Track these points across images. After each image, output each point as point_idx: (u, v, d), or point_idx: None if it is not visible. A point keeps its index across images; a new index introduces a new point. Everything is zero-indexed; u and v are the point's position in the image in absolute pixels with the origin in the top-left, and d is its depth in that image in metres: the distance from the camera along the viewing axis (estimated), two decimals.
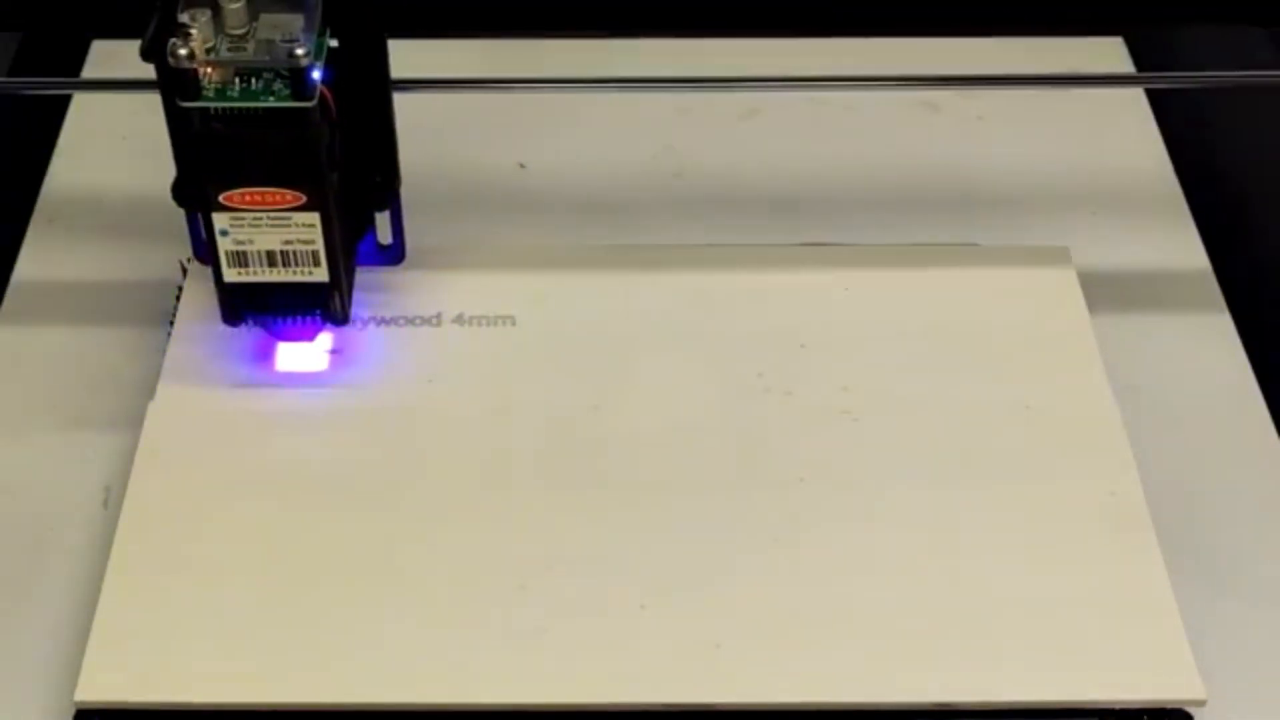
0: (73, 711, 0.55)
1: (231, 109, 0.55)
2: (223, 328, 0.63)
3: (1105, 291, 0.69)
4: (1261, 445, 0.66)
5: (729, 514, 0.60)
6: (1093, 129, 0.79)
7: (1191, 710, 0.55)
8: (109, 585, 0.57)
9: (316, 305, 0.62)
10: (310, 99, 0.55)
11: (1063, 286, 0.68)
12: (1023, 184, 0.76)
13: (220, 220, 0.58)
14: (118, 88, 0.62)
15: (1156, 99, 0.80)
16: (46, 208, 0.74)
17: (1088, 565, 0.58)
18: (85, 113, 0.79)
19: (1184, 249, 0.74)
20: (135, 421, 0.63)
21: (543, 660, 0.56)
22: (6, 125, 0.81)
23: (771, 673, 0.55)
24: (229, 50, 0.55)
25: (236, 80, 0.55)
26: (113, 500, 0.62)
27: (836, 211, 0.75)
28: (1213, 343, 0.69)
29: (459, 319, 0.66)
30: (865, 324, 0.67)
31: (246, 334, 0.64)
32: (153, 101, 0.59)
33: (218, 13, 0.55)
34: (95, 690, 0.55)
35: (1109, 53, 0.83)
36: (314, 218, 0.58)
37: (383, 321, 0.66)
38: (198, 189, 0.58)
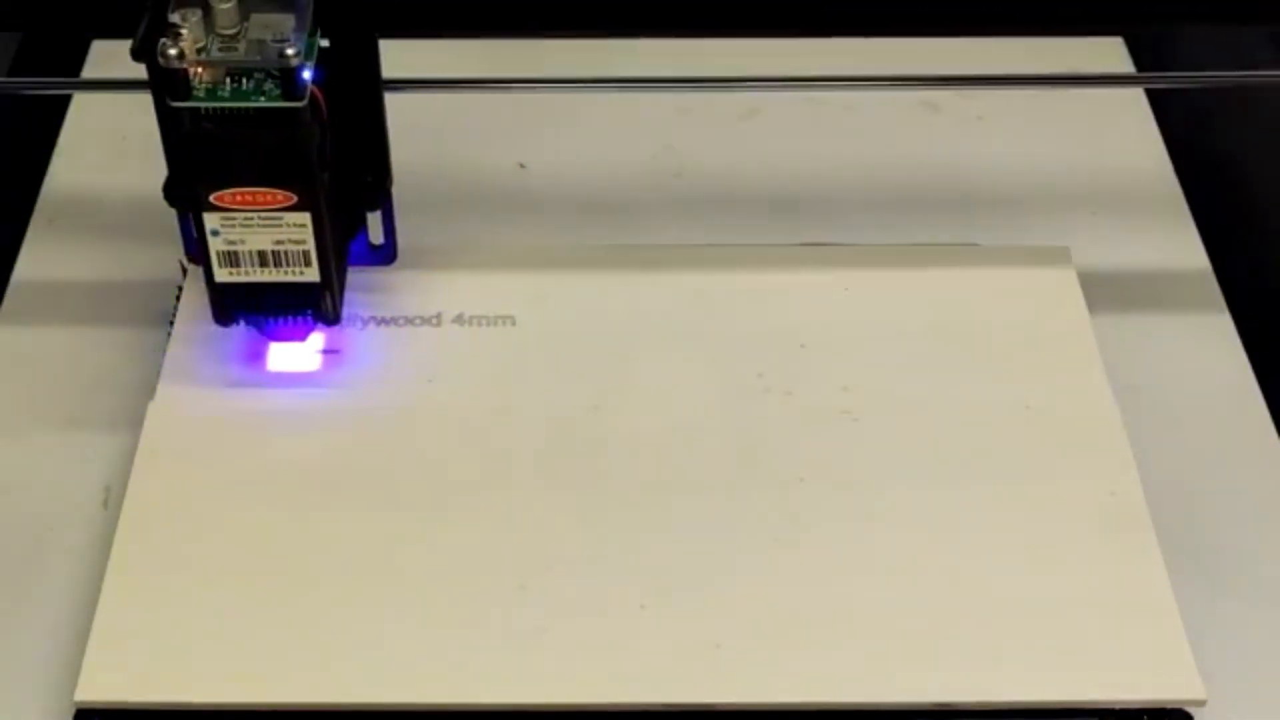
0: (73, 711, 0.55)
1: (222, 109, 0.55)
2: (222, 327, 0.63)
3: (1105, 291, 0.69)
4: (1261, 445, 0.66)
5: (729, 514, 0.60)
6: (1093, 129, 0.79)
7: (1191, 710, 0.55)
8: (109, 585, 0.57)
9: (308, 305, 0.62)
10: (301, 99, 0.55)
11: (1063, 286, 0.68)
12: (1023, 184, 0.76)
13: (211, 220, 0.58)
14: (118, 88, 0.62)
15: (1156, 99, 0.80)
16: (46, 208, 0.74)
17: (1088, 565, 0.58)
18: (85, 113, 0.79)
19: (1184, 249, 0.74)
20: (135, 421, 0.63)
21: (543, 660, 0.56)
22: (6, 125, 0.81)
23: (771, 673, 0.55)
24: (220, 50, 0.55)
25: (227, 80, 0.55)
26: (113, 500, 0.62)
27: (836, 211, 0.75)
28: (1213, 343, 0.69)
29: (459, 319, 0.66)
30: (865, 324, 0.67)
31: (246, 334, 0.64)
32: (152, 102, 0.59)
33: (208, 13, 0.55)
34: (95, 690, 0.55)
35: (1109, 53, 0.83)
36: (305, 218, 0.58)
37: (382, 321, 0.66)
38: (189, 189, 0.58)
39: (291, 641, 0.56)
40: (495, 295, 0.67)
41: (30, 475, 0.63)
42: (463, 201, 0.74)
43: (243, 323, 0.62)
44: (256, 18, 0.56)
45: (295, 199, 0.57)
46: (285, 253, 0.59)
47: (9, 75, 0.80)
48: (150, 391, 0.63)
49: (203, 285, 0.61)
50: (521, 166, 0.77)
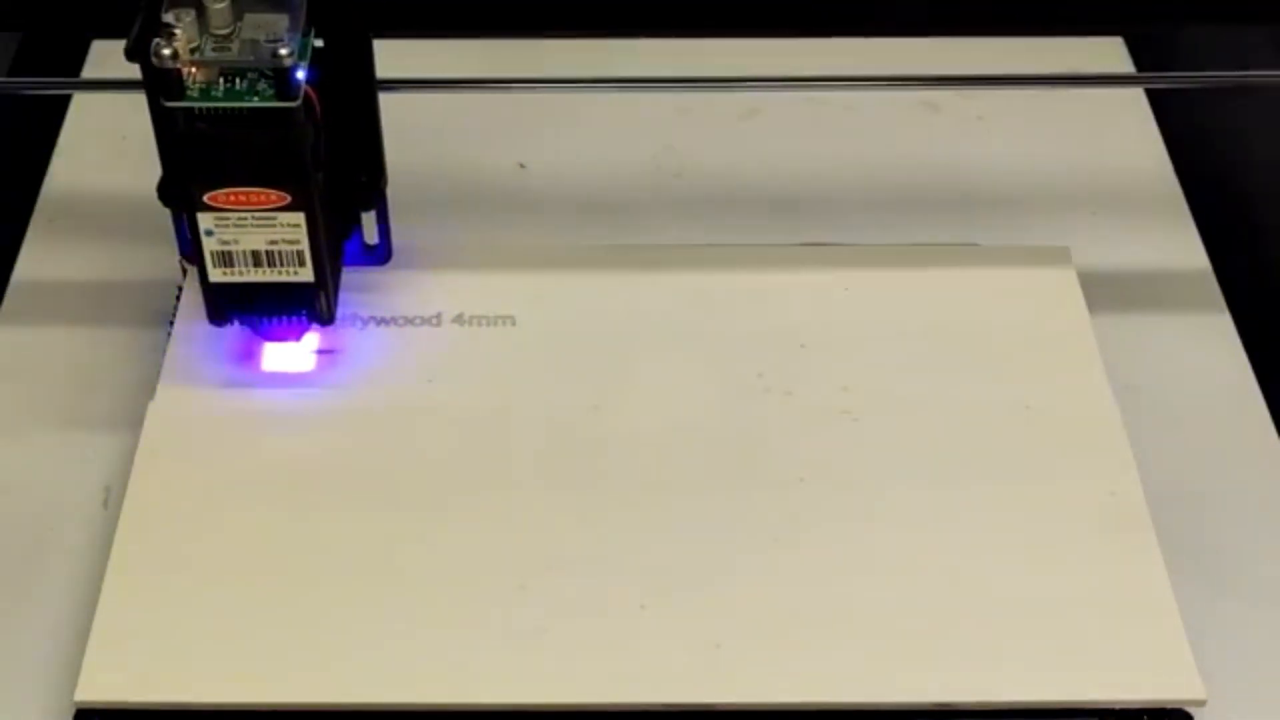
0: (73, 711, 0.55)
1: (216, 109, 0.55)
2: (223, 327, 0.63)
3: (1105, 291, 0.69)
4: (1261, 445, 0.66)
5: (729, 514, 0.60)
6: (1093, 129, 0.79)
7: (1191, 710, 0.55)
8: (109, 585, 0.57)
9: (302, 305, 0.61)
10: (294, 99, 0.55)
11: (1063, 286, 0.68)
12: (1023, 184, 0.76)
13: (205, 220, 0.58)
14: (118, 88, 0.62)
15: (1156, 99, 0.80)
16: (46, 208, 0.74)
17: (1088, 565, 0.58)
18: (85, 113, 0.79)
19: (1184, 249, 0.74)
20: (135, 421, 0.63)
21: (543, 660, 0.55)
22: (6, 125, 0.81)
23: (771, 673, 0.55)
24: (213, 50, 0.55)
25: (221, 80, 0.55)
26: (113, 500, 0.62)
27: (836, 211, 0.75)
28: (1213, 343, 0.69)
29: (459, 319, 0.66)
30: (865, 324, 0.67)
31: (246, 334, 0.64)
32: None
33: (202, 13, 0.55)
34: (95, 690, 0.55)
35: (1109, 53, 0.83)
36: (299, 218, 0.58)
37: (382, 321, 0.66)
38: (183, 189, 0.58)
39: (291, 641, 0.56)
40: (495, 295, 0.67)
41: (30, 475, 0.63)
42: (463, 201, 0.74)
43: (237, 323, 0.62)
44: (250, 18, 0.56)
45: (289, 199, 0.57)
46: (279, 253, 0.59)
47: (9, 75, 0.80)
48: (150, 391, 0.63)
49: None
50: (521, 166, 0.77)
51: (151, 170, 0.60)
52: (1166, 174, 0.77)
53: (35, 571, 0.60)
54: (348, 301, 0.66)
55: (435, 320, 0.66)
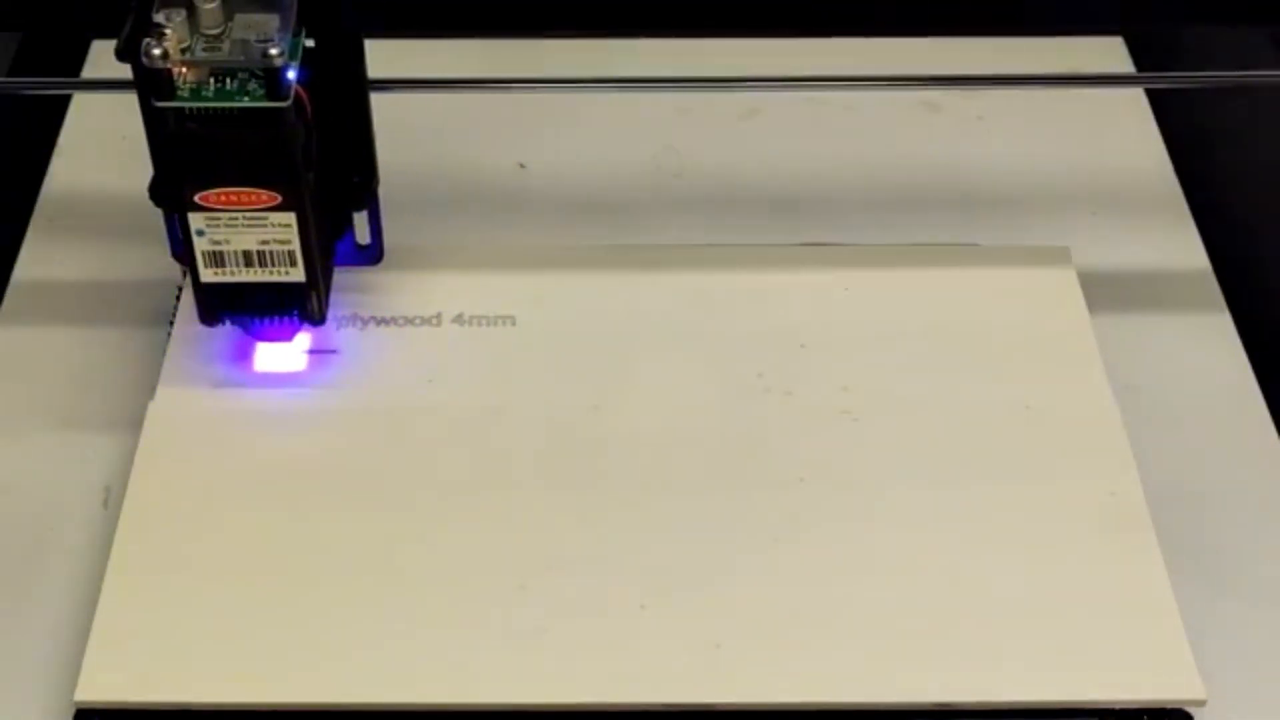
0: (73, 711, 0.55)
1: (206, 109, 0.55)
2: (222, 327, 0.63)
3: (1105, 291, 0.69)
4: (1261, 445, 0.66)
5: (729, 514, 0.60)
6: (1093, 129, 0.79)
7: (1191, 710, 0.55)
8: (109, 585, 0.57)
9: (294, 305, 0.61)
10: (285, 99, 0.55)
11: (1063, 286, 0.68)
12: (1023, 184, 0.76)
13: (196, 220, 0.58)
14: (118, 88, 0.62)
15: (1156, 99, 0.80)
16: (46, 208, 0.74)
17: (1088, 565, 0.58)
18: (85, 113, 0.79)
19: (1184, 249, 0.74)
20: (135, 421, 0.63)
21: (543, 660, 0.56)
22: (6, 125, 0.81)
23: (771, 673, 0.55)
24: (204, 50, 0.55)
25: (211, 80, 0.55)
26: (113, 500, 0.62)
27: (836, 211, 0.75)
28: (1213, 343, 0.69)
29: (459, 319, 0.66)
30: (865, 324, 0.67)
31: (246, 334, 0.64)
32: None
33: (193, 12, 0.55)
34: (95, 690, 0.55)
35: (1109, 53, 0.83)
36: (290, 218, 0.58)
37: (382, 321, 0.66)
38: (174, 189, 0.58)
39: (291, 641, 0.56)
40: (495, 295, 0.67)
41: (30, 475, 0.63)
42: (462, 201, 0.74)
43: (229, 323, 0.62)
44: (241, 18, 0.56)
45: (280, 199, 0.57)
46: (270, 253, 0.59)
47: (9, 75, 0.80)
48: (150, 391, 0.63)
49: None
50: (521, 166, 0.77)
51: (151, 170, 0.60)
52: (1166, 174, 0.77)
53: (35, 571, 0.60)
54: (348, 302, 0.66)
55: (435, 320, 0.66)
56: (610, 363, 0.65)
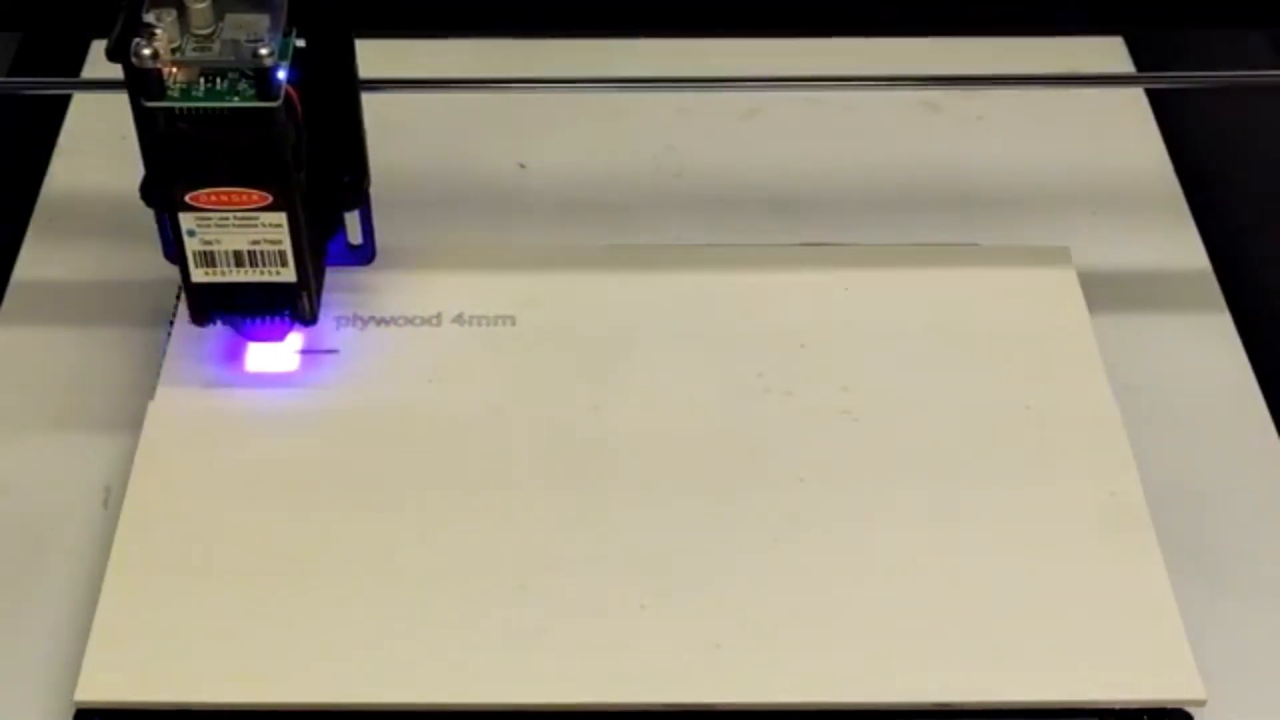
0: (73, 711, 0.55)
1: (197, 109, 0.55)
2: (222, 327, 0.63)
3: (1105, 291, 0.69)
4: (1261, 445, 0.66)
5: (729, 514, 0.60)
6: (1093, 129, 0.79)
7: (1191, 710, 0.55)
8: (109, 585, 0.57)
9: (285, 305, 0.61)
10: (275, 99, 0.55)
11: (1063, 286, 0.68)
12: (1023, 184, 0.76)
13: (187, 220, 0.58)
14: (118, 88, 0.62)
15: (1156, 99, 0.80)
16: (46, 208, 0.74)
17: (1088, 565, 0.58)
18: (85, 113, 0.79)
19: (1184, 249, 0.74)
20: (135, 421, 0.63)
21: (543, 660, 0.56)
22: (6, 125, 0.81)
23: (771, 673, 0.55)
24: (194, 50, 0.55)
25: (202, 80, 0.55)
26: (113, 500, 0.62)
27: (836, 211, 0.75)
28: (1213, 343, 0.69)
29: (459, 319, 0.66)
30: (865, 324, 0.67)
31: (238, 334, 0.64)
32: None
33: (183, 12, 0.55)
34: (95, 690, 0.55)
35: (1109, 53, 0.83)
36: (281, 218, 0.58)
37: (382, 321, 0.66)
38: (164, 189, 0.58)
39: (291, 641, 0.56)
40: (495, 295, 0.67)
41: (30, 475, 0.63)
42: (462, 201, 0.74)
43: (220, 323, 0.62)
44: (231, 18, 0.56)
45: (271, 199, 0.57)
46: (261, 253, 0.59)
47: (9, 75, 0.80)
48: (150, 391, 0.63)
49: None
50: (521, 166, 0.77)
51: None
52: (1166, 174, 0.77)
53: (35, 571, 0.60)
54: (347, 302, 0.66)
55: (435, 320, 0.66)
56: (610, 363, 0.65)
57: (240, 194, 0.57)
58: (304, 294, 0.61)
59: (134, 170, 0.59)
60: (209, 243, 0.59)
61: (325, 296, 0.65)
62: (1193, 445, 0.65)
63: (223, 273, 0.60)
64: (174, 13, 0.55)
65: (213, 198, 0.57)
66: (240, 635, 0.56)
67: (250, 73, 0.55)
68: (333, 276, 0.66)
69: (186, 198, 0.57)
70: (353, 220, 0.65)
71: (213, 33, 0.55)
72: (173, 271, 0.67)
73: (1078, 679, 0.55)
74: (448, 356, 0.65)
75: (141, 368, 0.66)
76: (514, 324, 0.66)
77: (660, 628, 0.56)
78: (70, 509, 0.62)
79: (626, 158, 0.77)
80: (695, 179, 0.76)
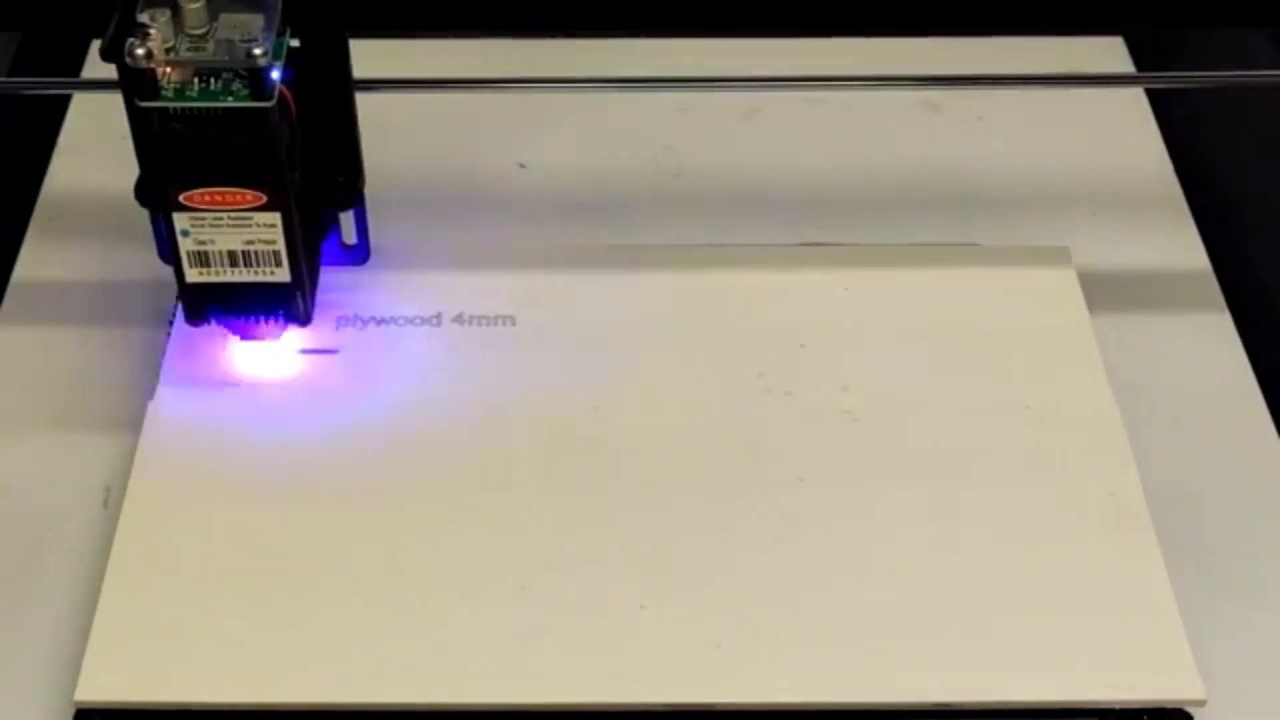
0: (73, 711, 0.55)
1: (190, 109, 0.55)
2: (222, 327, 0.63)
3: (1105, 291, 0.69)
4: (1261, 445, 0.66)
5: (729, 514, 0.60)
6: (1093, 129, 0.79)
7: (1191, 710, 0.55)
8: (109, 585, 0.57)
9: (279, 305, 0.61)
10: (269, 99, 0.55)
11: (1063, 286, 0.68)
12: (1023, 184, 0.76)
13: (181, 220, 0.58)
14: (118, 88, 0.62)
15: (1156, 99, 0.80)
16: (46, 208, 0.74)
17: (1088, 565, 0.58)
18: (85, 113, 0.79)
19: (1184, 249, 0.74)
20: (135, 421, 0.63)
21: (543, 660, 0.56)
22: (6, 125, 0.81)
23: (771, 673, 0.55)
24: (188, 50, 0.55)
25: (196, 80, 0.55)
26: (113, 500, 0.62)
27: (836, 211, 0.75)
28: (1213, 343, 0.69)
29: (459, 318, 0.66)
30: (865, 324, 0.67)
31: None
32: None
33: (177, 12, 0.55)
34: (95, 690, 0.55)
35: (1109, 53, 0.83)
36: (275, 218, 0.58)
37: (382, 321, 0.66)
38: (158, 189, 0.58)
39: (291, 641, 0.56)
40: (495, 295, 0.67)
41: (30, 475, 0.63)
42: (463, 201, 0.74)
43: (214, 323, 0.62)
44: (225, 17, 0.56)
45: (265, 199, 0.57)
46: (255, 253, 0.59)
47: (9, 75, 0.80)
48: (150, 391, 0.63)
49: None
50: (521, 166, 0.77)
51: None
52: (1166, 174, 0.77)
53: (35, 571, 0.60)
54: (347, 302, 0.66)
55: (435, 320, 0.66)
56: (610, 363, 0.65)
57: (234, 194, 0.57)
58: (298, 294, 0.61)
59: (134, 170, 0.59)
60: (203, 243, 0.59)
61: (325, 296, 0.65)
62: (1193, 445, 0.65)
63: (217, 273, 0.60)
64: (168, 13, 0.55)
65: (207, 198, 0.57)
66: (240, 635, 0.56)
67: (244, 73, 0.55)
68: (332, 276, 0.66)
69: (181, 198, 0.57)
70: (347, 220, 0.65)
71: (207, 33, 0.55)
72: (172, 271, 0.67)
73: (1078, 679, 0.55)
74: (448, 356, 0.65)
75: (141, 368, 0.66)
76: (514, 324, 0.66)
77: (660, 628, 0.56)
78: (70, 509, 0.62)
79: (626, 158, 0.77)
80: (695, 179, 0.76)
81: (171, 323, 0.66)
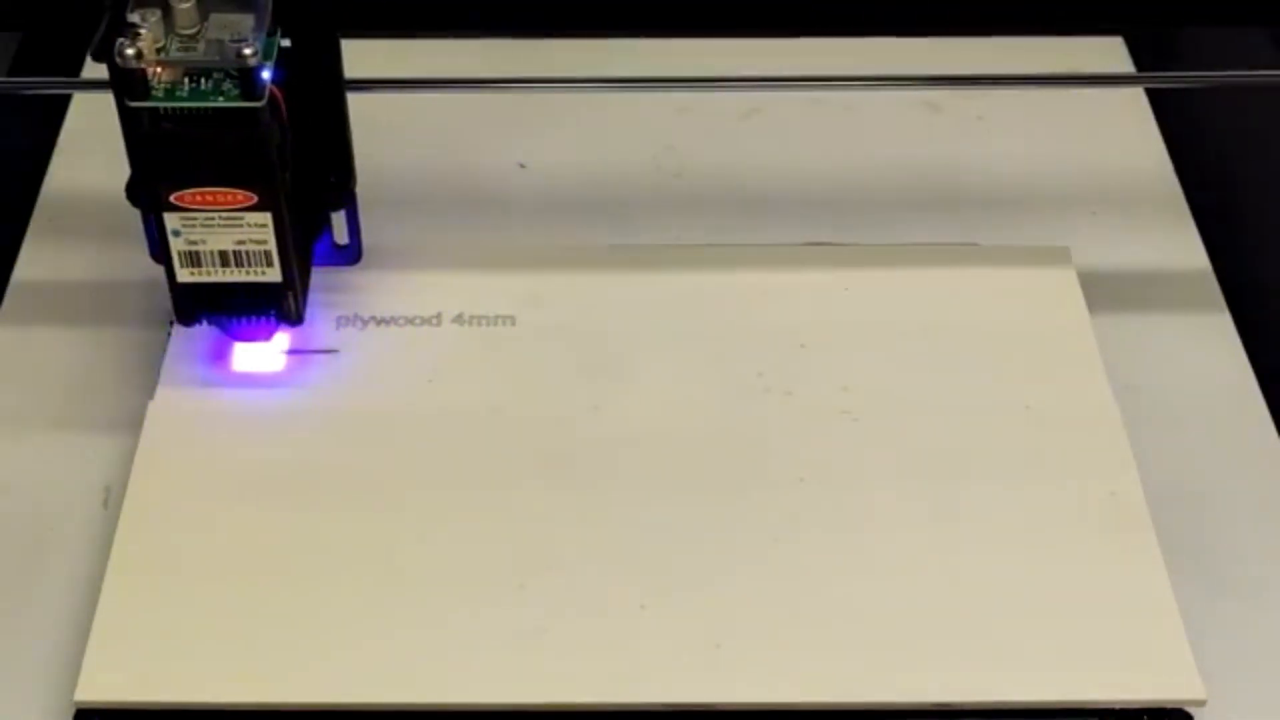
0: (73, 711, 0.55)
1: (181, 109, 0.55)
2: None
3: (1105, 291, 0.69)
4: (1261, 445, 0.66)
5: (729, 514, 0.60)
6: (1093, 129, 0.79)
7: (1191, 710, 0.55)
8: (109, 585, 0.57)
9: (270, 305, 0.61)
10: (259, 99, 0.55)
11: (1063, 286, 0.68)
12: (1023, 184, 0.76)
13: (172, 220, 0.58)
14: None
15: (1156, 99, 0.80)
16: (46, 208, 0.74)
17: (1088, 565, 0.58)
18: (85, 113, 0.79)
19: (1184, 249, 0.74)
20: (135, 421, 0.63)
21: (543, 660, 0.55)
22: (6, 125, 0.81)
23: (771, 673, 0.55)
24: (179, 50, 0.55)
25: (186, 80, 0.55)
26: (113, 500, 0.62)
27: (836, 211, 0.75)
28: (1213, 343, 0.69)
29: (459, 319, 0.66)
30: (865, 324, 0.67)
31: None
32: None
33: (168, 12, 0.55)
34: (95, 690, 0.55)
35: (1109, 53, 0.83)
36: (266, 218, 0.58)
37: (382, 321, 0.66)
38: (149, 189, 0.58)
39: (291, 641, 0.56)
40: (495, 295, 0.67)
41: (30, 475, 0.63)
42: (463, 201, 0.74)
43: (206, 323, 0.62)
44: (216, 17, 0.56)
45: (256, 199, 0.57)
46: (247, 253, 0.59)
47: (9, 75, 0.80)
48: (150, 391, 0.63)
49: None
50: (521, 166, 0.77)
51: None
52: (1166, 174, 0.77)
53: (35, 571, 0.60)
54: (347, 301, 0.66)
55: (435, 320, 0.66)
56: (610, 363, 0.65)
57: (225, 194, 0.57)
58: (290, 294, 0.61)
59: None
60: (194, 243, 0.59)
61: (325, 296, 0.65)
62: (1193, 445, 0.65)
63: (208, 273, 0.60)
64: (158, 13, 0.55)
65: (198, 198, 0.57)
66: (240, 635, 0.56)
67: (235, 73, 0.55)
68: (331, 276, 0.66)
69: (171, 198, 0.57)
70: (339, 220, 0.65)
71: (197, 32, 0.55)
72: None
73: (1078, 679, 0.55)
74: (448, 356, 0.65)
75: (141, 368, 0.66)
76: (514, 324, 0.66)
77: (660, 627, 0.56)
78: (70, 509, 0.62)
79: (626, 158, 0.77)
80: (695, 179, 0.76)
81: (172, 323, 0.66)
